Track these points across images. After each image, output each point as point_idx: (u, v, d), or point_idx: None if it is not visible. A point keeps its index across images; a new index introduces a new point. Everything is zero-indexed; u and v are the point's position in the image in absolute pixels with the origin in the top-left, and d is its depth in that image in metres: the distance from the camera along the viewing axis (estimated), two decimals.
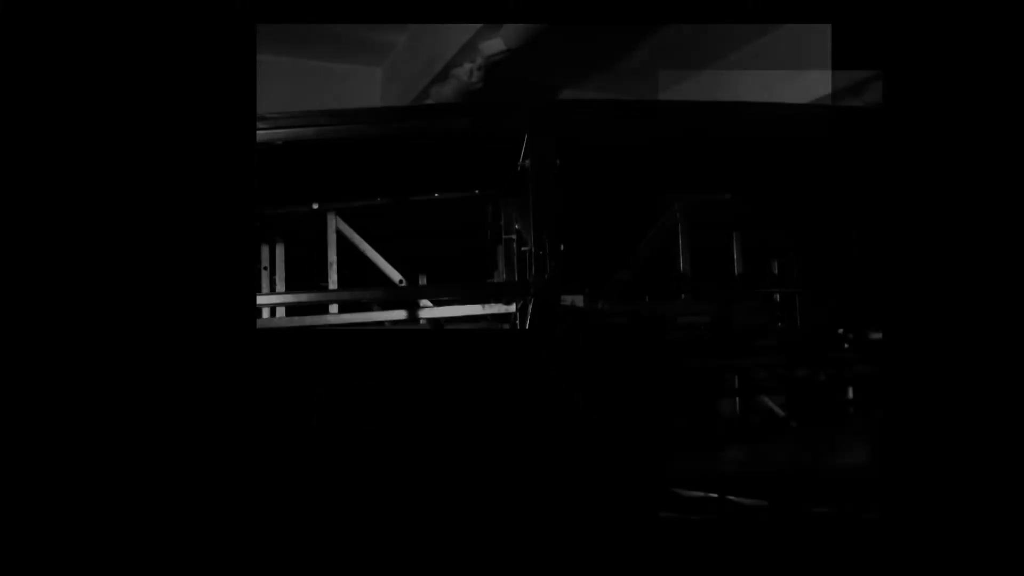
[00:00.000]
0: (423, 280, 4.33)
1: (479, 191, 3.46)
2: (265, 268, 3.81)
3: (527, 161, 2.98)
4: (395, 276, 3.58)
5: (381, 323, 3.51)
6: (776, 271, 3.94)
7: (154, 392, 2.00)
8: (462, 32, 5.85)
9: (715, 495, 3.23)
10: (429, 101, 6.50)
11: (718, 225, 3.58)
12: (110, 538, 1.97)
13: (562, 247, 2.95)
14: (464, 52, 6.14)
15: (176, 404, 2.01)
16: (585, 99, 4.84)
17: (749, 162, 3.26)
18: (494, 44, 5.90)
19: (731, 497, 3.56)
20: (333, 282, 3.52)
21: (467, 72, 6.46)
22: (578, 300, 3.10)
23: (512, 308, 3.25)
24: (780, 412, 4.16)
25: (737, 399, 4.21)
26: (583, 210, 3.23)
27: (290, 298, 3.51)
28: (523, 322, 3.08)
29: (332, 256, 3.54)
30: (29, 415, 1.95)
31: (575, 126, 3.02)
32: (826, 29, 5.64)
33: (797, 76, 6.06)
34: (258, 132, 2.98)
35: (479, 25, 5.69)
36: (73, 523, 1.96)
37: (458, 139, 3.05)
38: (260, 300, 3.51)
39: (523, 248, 3.17)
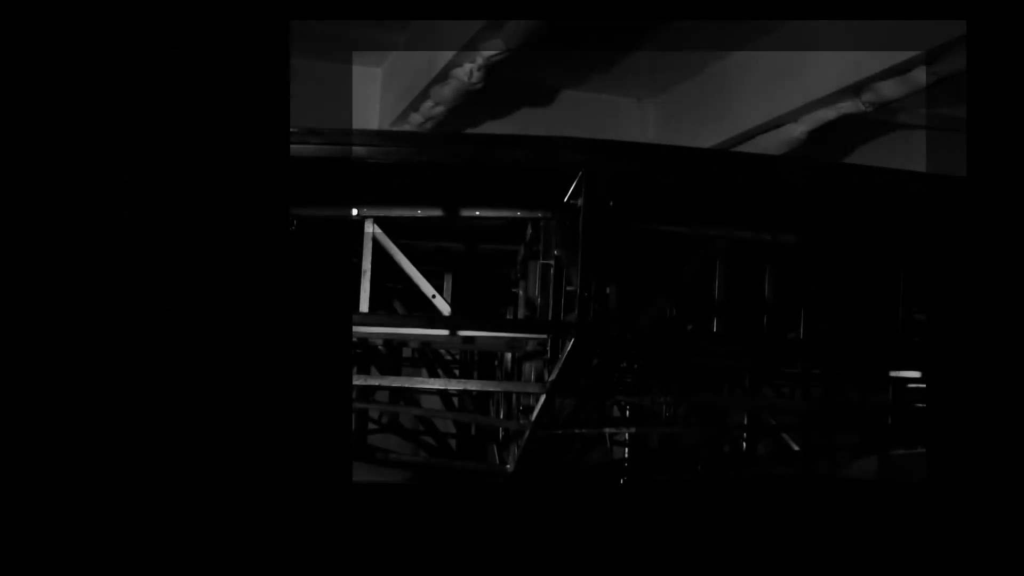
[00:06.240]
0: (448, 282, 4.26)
1: (521, 212, 3.43)
2: None
3: (579, 200, 2.97)
4: (429, 291, 3.51)
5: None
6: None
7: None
8: (462, 32, 5.77)
9: None
10: (429, 102, 6.41)
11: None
12: None
13: (608, 291, 2.97)
14: (464, 52, 6.07)
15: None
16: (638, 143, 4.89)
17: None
18: (494, 44, 5.83)
19: None
20: (366, 290, 3.43)
21: (467, 72, 6.39)
22: None
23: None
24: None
25: None
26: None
27: None
28: (556, 356, 3.13)
29: (366, 264, 3.43)
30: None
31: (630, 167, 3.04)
32: (830, 25, 5.64)
33: (800, 74, 6.12)
34: (310, 147, 2.96)
35: (479, 25, 5.60)
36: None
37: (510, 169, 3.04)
38: None
39: (569, 287, 3.16)
